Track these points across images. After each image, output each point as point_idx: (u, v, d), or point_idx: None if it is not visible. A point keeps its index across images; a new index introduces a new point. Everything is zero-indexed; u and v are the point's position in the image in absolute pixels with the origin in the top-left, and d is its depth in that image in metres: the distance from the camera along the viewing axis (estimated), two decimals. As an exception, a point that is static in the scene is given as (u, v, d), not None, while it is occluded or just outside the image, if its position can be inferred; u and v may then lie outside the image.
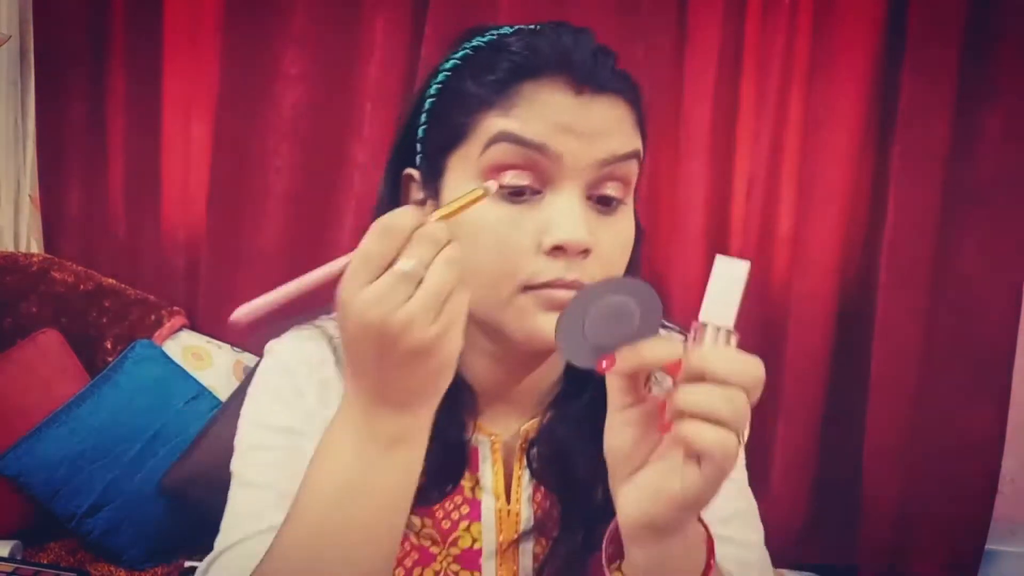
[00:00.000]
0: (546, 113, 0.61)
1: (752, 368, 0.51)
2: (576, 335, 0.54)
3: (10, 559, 1.55)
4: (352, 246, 1.69)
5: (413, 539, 0.69)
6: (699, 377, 0.50)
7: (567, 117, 0.61)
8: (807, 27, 1.75)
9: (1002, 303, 1.70)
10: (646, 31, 1.79)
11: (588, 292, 0.55)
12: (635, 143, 0.64)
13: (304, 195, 2.01)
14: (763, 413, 1.85)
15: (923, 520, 1.75)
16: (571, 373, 0.71)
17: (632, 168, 0.64)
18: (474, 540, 0.69)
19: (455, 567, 0.69)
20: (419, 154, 0.67)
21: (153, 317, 1.96)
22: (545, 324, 0.61)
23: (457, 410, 0.68)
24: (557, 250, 0.61)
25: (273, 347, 0.75)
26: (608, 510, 0.59)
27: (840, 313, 1.78)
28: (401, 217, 0.50)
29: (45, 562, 1.63)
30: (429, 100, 0.67)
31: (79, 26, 2.07)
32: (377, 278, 0.50)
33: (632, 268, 0.69)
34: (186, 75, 2.08)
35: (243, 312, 0.51)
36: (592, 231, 0.61)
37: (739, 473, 0.74)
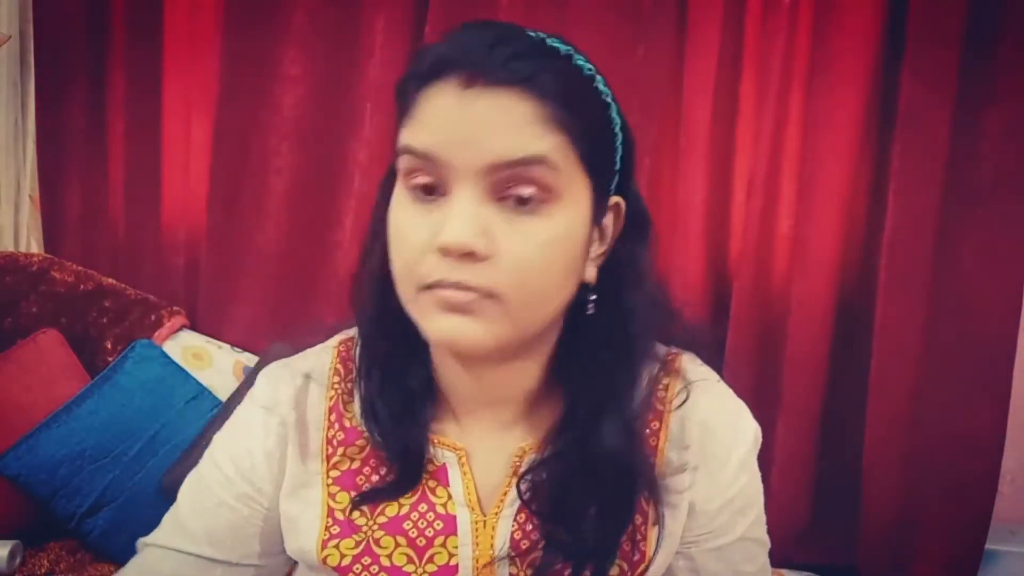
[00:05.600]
0: (434, 118, 0.59)
1: None
2: None
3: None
4: (352, 246, 1.72)
5: (385, 560, 0.68)
6: None
7: (451, 119, 0.58)
8: (807, 27, 1.75)
9: (1002, 303, 1.69)
10: (646, 31, 1.79)
11: None
12: (536, 145, 0.58)
13: (304, 195, 2.01)
14: (763, 413, 1.85)
15: (923, 520, 1.74)
16: (573, 405, 0.69)
17: (538, 172, 0.58)
18: (450, 556, 0.68)
19: None
20: None
21: (153, 317, 1.96)
22: (443, 324, 0.60)
23: (417, 419, 0.69)
24: (445, 251, 0.58)
25: (265, 373, 0.76)
26: (593, 547, 0.64)
27: (840, 313, 1.78)
28: None
29: (45, 562, 1.63)
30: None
31: (79, 26, 2.07)
32: None
33: (628, 272, 0.67)
34: (186, 75, 2.08)
35: None
36: (488, 233, 0.58)
37: (764, 532, 0.76)
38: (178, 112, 2.09)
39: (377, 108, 1.93)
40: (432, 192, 0.60)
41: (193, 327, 2.03)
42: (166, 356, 1.85)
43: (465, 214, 0.58)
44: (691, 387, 0.71)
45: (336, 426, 0.72)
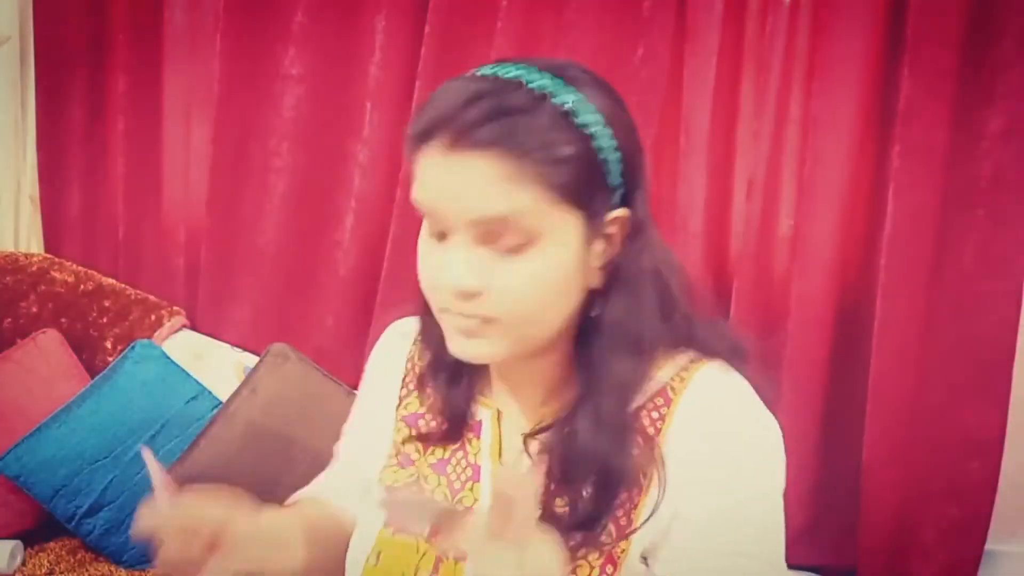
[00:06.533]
0: (427, 176, 0.67)
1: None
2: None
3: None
4: (352, 246, 1.72)
5: (428, 493, 0.79)
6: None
7: (439, 178, 0.66)
8: (807, 27, 1.75)
9: (1002, 303, 1.69)
10: (646, 31, 1.79)
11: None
12: (508, 203, 0.64)
13: (304, 195, 2.01)
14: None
15: (923, 520, 1.75)
16: (585, 378, 0.74)
17: (517, 223, 0.65)
18: (475, 500, 0.78)
19: None
20: None
21: (153, 317, 1.96)
22: (457, 345, 0.71)
23: (463, 386, 0.80)
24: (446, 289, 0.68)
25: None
26: (585, 511, 0.70)
27: (840, 313, 1.78)
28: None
29: (45, 562, 1.63)
30: None
31: (79, 26, 2.07)
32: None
33: (646, 267, 0.72)
34: (186, 75, 2.08)
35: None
36: (481, 272, 0.66)
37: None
38: (178, 112, 2.10)
39: (377, 108, 1.93)
40: (443, 236, 0.69)
41: (193, 327, 2.03)
42: (166, 356, 1.85)
43: (458, 259, 0.67)
44: (696, 393, 0.74)
45: (411, 375, 0.87)
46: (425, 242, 0.71)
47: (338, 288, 2.01)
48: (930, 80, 1.65)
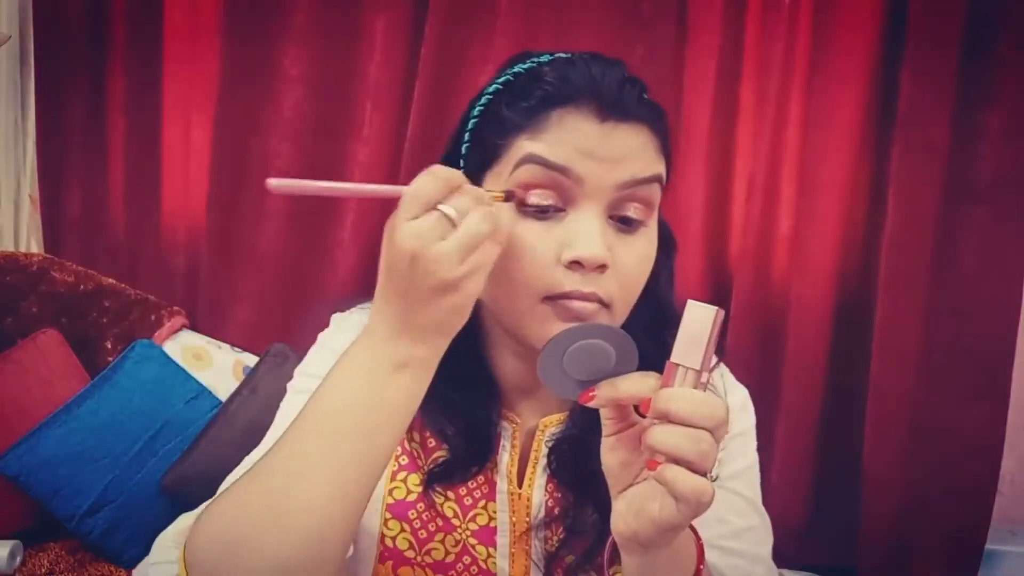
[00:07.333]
0: (571, 139, 0.65)
1: (712, 410, 0.55)
2: (556, 370, 0.61)
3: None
4: (352, 246, 1.70)
5: (438, 508, 0.75)
6: (665, 416, 0.55)
7: (591, 143, 0.65)
8: (807, 27, 1.75)
9: (1002, 303, 1.69)
10: (646, 32, 1.79)
11: (565, 334, 0.61)
12: (656, 168, 0.68)
13: (304, 196, 2.01)
14: (763, 413, 1.85)
15: (923, 520, 1.75)
16: None
17: (653, 191, 0.68)
18: (490, 518, 0.75)
19: (473, 540, 0.74)
20: (462, 169, 0.72)
21: (153, 317, 1.96)
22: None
23: (486, 401, 0.76)
24: (575, 264, 0.65)
25: (337, 317, 0.84)
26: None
27: (839, 313, 1.78)
28: (454, 172, 0.58)
29: (45, 562, 1.63)
30: (472, 121, 0.72)
31: (79, 26, 2.07)
32: (421, 215, 0.56)
33: (664, 280, 0.75)
34: (186, 75, 2.08)
35: (278, 183, 0.56)
36: (609, 248, 0.65)
37: (753, 492, 0.79)
38: (178, 112, 2.09)
39: (377, 108, 1.93)
40: (546, 211, 0.66)
41: (193, 327, 2.03)
42: (166, 356, 1.85)
43: (595, 230, 0.65)
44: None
45: None
46: (522, 220, 0.66)
47: (338, 288, 2.01)
48: (930, 80, 1.65)
